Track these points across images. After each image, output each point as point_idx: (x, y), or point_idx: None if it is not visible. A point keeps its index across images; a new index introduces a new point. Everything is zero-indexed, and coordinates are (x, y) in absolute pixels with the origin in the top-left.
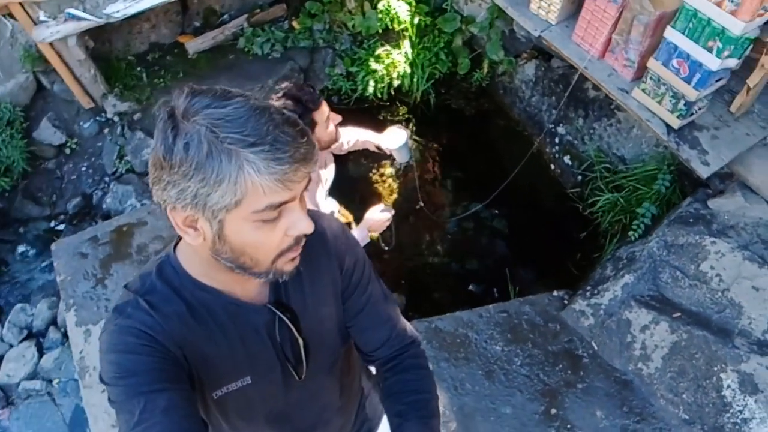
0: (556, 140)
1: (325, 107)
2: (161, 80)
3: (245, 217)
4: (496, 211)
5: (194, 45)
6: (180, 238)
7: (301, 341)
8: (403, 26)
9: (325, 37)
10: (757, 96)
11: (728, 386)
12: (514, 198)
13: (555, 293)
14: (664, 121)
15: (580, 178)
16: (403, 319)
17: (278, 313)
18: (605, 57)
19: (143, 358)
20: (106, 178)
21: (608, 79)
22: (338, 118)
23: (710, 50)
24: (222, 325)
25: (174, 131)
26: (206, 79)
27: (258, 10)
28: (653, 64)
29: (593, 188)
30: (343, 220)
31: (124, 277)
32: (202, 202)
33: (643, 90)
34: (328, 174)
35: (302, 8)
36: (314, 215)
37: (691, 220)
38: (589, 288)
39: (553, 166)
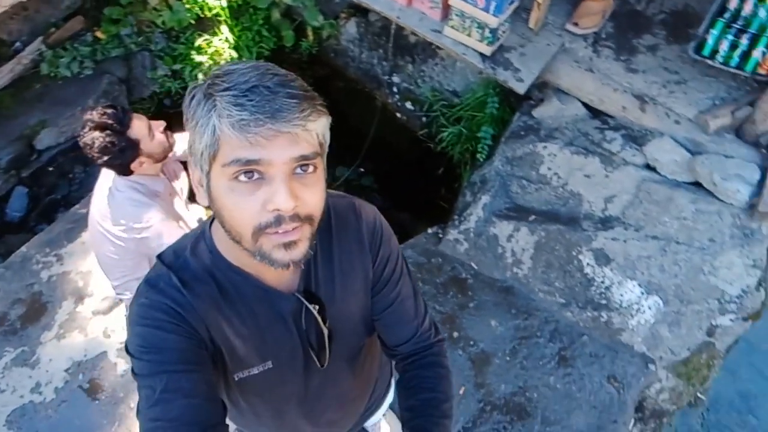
0: (395, 89)
1: (139, 121)
2: None
3: (220, 171)
4: (362, 170)
5: None
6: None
7: (326, 331)
8: (215, 12)
9: (137, 40)
10: (548, 8)
11: (587, 264)
12: (373, 153)
13: (429, 230)
14: (477, 51)
15: (424, 119)
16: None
17: (306, 303)
18: (412, 3)
19: (170, 336)
20: None
21: (420, 23)
22: (162, 123)
23: None
24: (250, 309)
25: (192, 90)
26: (17, 118)
27: (53, 29)
28: (454, 1)
29: (438, 125)
30: None
31: None
32: (195, 152)
33: (452, 27)
34: (181, 184)
35: (102, 16)
36: (356, 204)
37: (522, 133)
38: (456, 217)
39: (399, 114)
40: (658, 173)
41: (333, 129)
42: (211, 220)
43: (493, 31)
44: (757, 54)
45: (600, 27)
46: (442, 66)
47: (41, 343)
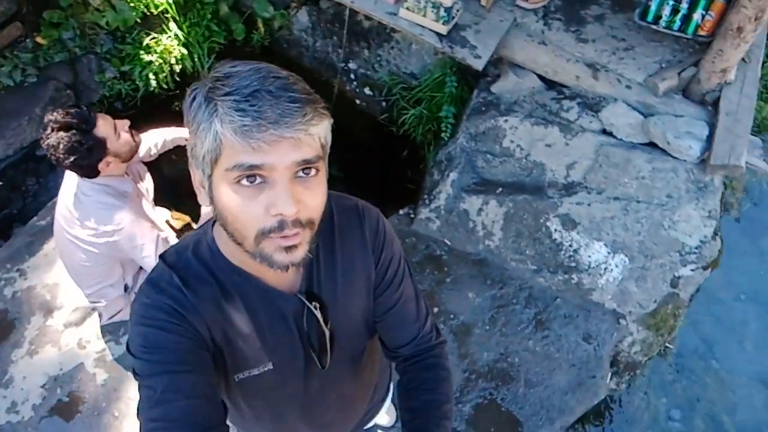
0: (352, 76)
1: (104, 120)
2: None
3: (222, 175)
4: None
5: None
6: None
7: (327, 332)
8: (161, 9)
9: (81, 43)
10: None
11: (555, 230)
12: (336, 141)
13: (401, 212)
14: (433, 31)
15: (384, 104)
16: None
17: (307, 303)
18: None
19: (172, 337)
20: None
21: (375, 7)
22: (126, 122)
23: None
24: (252, 309)
25: (192, 92)
26: None
27: None
28: None
29: (399, 109)
30: (178, 224)
31: None
32: (196, 155)
33: (408, 8)
34: (147, 185)
35: (41, 20)
36: (360, 206)
37: (483, 109)
38: (425, 196)
39: (358, 101)
40: (615, 137)
41: None
42: (213, 220)
43: (448, 9)
44: (697, 17)
45: (548, 0)
46: (398, 49)
47: (13, 361)
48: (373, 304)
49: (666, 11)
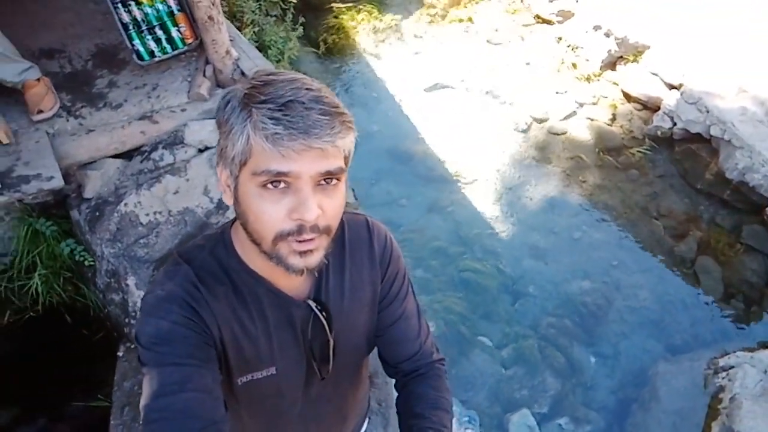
0: None
1: None
2: None
3: (249, 178)
4: None
5: None
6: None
7: (331, 342)
8: None
9: None
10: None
11: None
12: None
13: None
14: None
15: None
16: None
17: (315, 310)
18: None
19: (182, 330)
20: None
21: None
22: None
23: None
24: (262, 311)
25: (227, 95)
26: None
27: None
28: None
29: (19, 292)
30: None
31: None
32: (226, 156)
33: None
34: None
35: None
36: (369, 221)
37: (96, 214)
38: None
39: None
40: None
41: None
42: (231, 222)
43: None
44: (175, 34)
45: (56, 100)
46: None
47: None
48: (377, 317)
49: (153, 45)
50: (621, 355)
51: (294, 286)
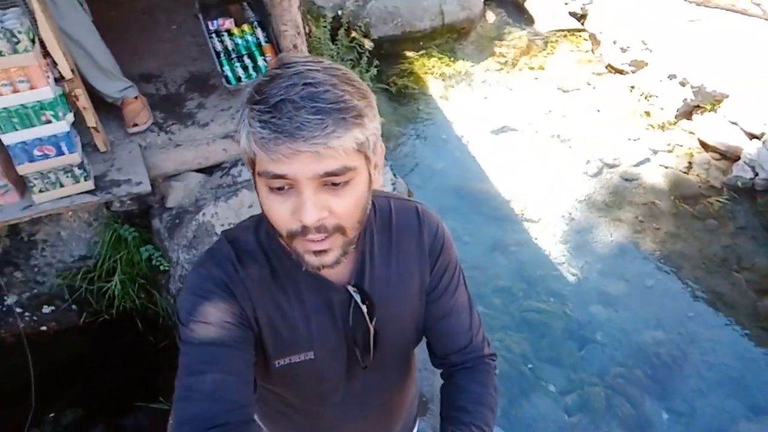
0: (18, 311)
1: None
2: None
3: (259, 177)
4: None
5: None
6: None
7: (372, 330)
8: None
9: None
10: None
11: None
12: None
13: None
14: (83, 193)
15: (74, 307)
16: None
17: (355, 297)
18: None
19: (216, 311)
20: None
21: (3, 214)
22: None
23: (49, 121)
24: (299, 294)
25: (246, 87)
26: None
27: None
28: (24, 169)
29: (99, 294)
30: None
31: None
32: (244, 152)
33: (40, 191)
34: None
35: None
36: (420, 209)
37: (177, 221)
38: None
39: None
40: None
41: None
42: None
43: (81, 166)
44: (261, 63)
45: (150, 116)
46: (50, 246)
47: None
48: (426, 309)
49: (240, 72)
50: (697, 413)
51: (334, 270)
